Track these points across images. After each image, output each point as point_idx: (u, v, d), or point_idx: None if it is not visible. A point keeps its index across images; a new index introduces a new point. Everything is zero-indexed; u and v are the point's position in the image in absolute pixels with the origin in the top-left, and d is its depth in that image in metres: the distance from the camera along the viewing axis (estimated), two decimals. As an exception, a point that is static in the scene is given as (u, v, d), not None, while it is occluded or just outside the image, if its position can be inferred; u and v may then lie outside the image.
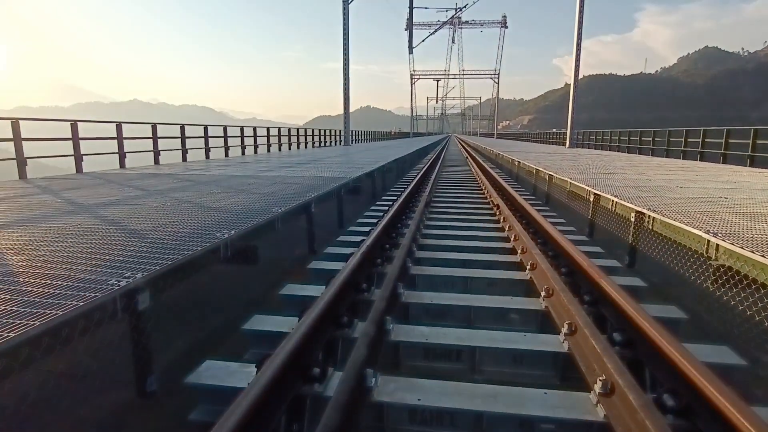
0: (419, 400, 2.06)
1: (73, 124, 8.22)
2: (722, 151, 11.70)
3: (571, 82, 22.43)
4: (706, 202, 4.91)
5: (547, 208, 7.43)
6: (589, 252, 4.54)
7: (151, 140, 10.67)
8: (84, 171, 8.44)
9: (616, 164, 10.63)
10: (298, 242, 5.22)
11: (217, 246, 3.13)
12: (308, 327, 2.23)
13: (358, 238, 4.76)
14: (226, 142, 15.15)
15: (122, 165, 9.57)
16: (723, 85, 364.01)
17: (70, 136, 8.19)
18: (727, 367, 2.48)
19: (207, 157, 13.56)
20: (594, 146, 23.34)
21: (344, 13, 22.93)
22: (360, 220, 6.20)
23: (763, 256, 2.77)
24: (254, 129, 18.03)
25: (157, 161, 10.77)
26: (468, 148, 26.99)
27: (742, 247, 2.97)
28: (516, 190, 8.11)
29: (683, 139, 13.86)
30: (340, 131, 26.82)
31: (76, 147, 8.26)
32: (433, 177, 10.05)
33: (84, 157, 8.60)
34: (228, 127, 15.40)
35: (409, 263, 3.93)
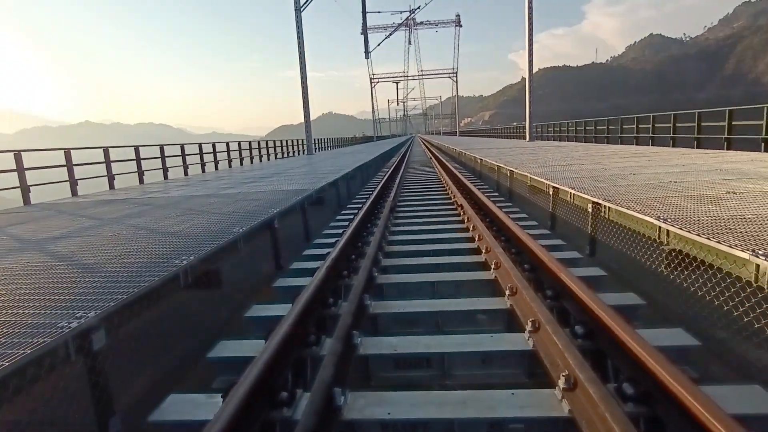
0: (389, 414, 2.06)
1: (17, 155, 7.85)
2: (671, 135, 12.25)
3: (527, 76, 23.02)
4: (657, 187, 5.11)
5: (510, 204, 7.59)
6: (551, 245, 4.67)
7: (104, 165, 10.30)
8: (33, 202, 8.07)
9: (573, 155, 10.96)
10: (264, 260, 5.14)
11: (176, 273, 3.05)
12: (273, 351, 2.20)
13: (324, 251, 4.74)
14: (184, 160, 14.84)
15: (74, 193, 9.20)
16: (670, 70, 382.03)
17: (14, 167, 7.81)
18: (682, 349, 2.60)
19: (165, 177, 13.20)
20: (553, 138, 24.01)
21: (297, 22, 22.82)
22: (326, 231, 6.17)
23: (708, 238, 2.91)
24: (213, 145, 17.75)
25: (112, 186, 10.41)
26: (431, 148, 27.31)
27: (689, 231, 3.11)
28: (479, 188, 8.25)
29: (635, 126, 14.43)
30: (302, 140, 26.68)
31: (22, 178, 7.89)
32: (397, 181, 10.10)
33: (33, 188, 8.23)
34: (186, 145, 15.11)
35: (375, 272, 3.93)
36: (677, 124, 12.14)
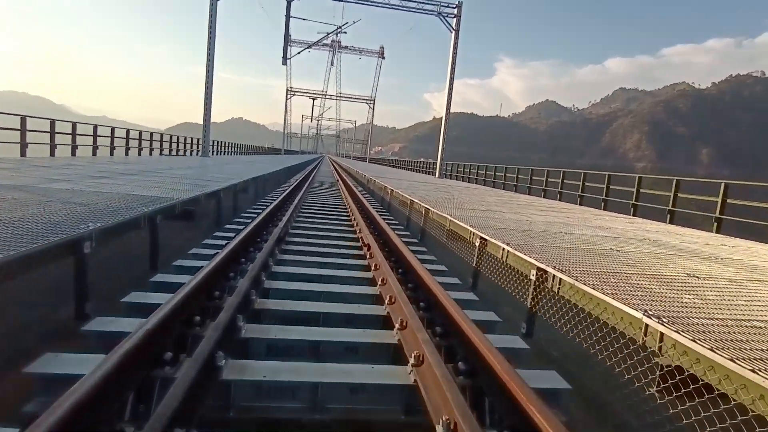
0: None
1: None
2: (579, 194, 12.33)
3: (442, 117, 23.02)
4: (604, 256, 4.26)
5: (424, 249, 6.42)
6: (477, 318, 3.47)
7: None
8: None
9: (488, 200, 10.34)
10: (56, 301, 3.32)
11: None
12: None
13: (176, 280, 3.16)
14: (23, 136, 11.78)
15: None
16: (558, 134, 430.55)
17: None
18: None
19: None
20: (461, 178, 24.13)
21: (211, 10, 20.53)
22: (180, 261, 4.43)
23: (755, 372, 1.87)
24: (95, 127, 15.39)
25: None
26: (340, 171, 26.07)
27: (713, 350, 2.07)
28: (389, 224, 7.05)
29: (544, 179, 14.49)
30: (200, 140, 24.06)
31: None
32: (295, 202, 8.57)
33: None
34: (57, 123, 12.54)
35: (241, 323, 2.43)
36: (587, 184, 12.29)
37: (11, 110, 13.23)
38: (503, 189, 17.39)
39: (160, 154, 19.47)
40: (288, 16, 20.76)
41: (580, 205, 12.01)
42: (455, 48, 21.35)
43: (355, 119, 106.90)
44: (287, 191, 10.15)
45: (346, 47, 74.00)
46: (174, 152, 20.78)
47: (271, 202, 8.11)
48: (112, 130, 17.17)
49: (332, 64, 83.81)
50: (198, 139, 24.72)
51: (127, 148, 17.69)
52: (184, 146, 22.81)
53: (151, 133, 20.70)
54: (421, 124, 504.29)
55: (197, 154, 23.42)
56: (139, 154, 18.66)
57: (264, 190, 12.16)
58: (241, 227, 6.05)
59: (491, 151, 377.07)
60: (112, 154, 16.57)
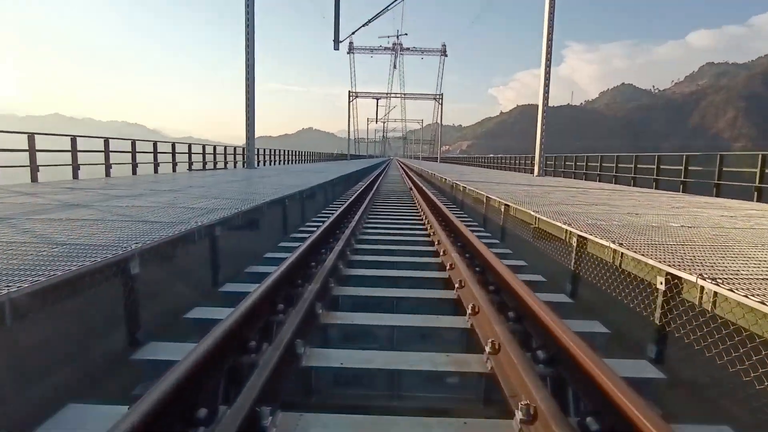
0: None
1: None
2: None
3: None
4: None
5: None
6: None
7: None
8: None
9: (708, 216, 5.56)
10: None
11: None
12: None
13: None
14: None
15: None
16: (638, 118, 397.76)
17: None
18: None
19: None
20: (568, 175, 18.86)
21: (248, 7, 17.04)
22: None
23: None
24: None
25: None
26: (411, 174, 21.79)
27: None
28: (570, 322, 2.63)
29: (758, 171, 9.05)
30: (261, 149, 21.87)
31: None
32: (343, 239, 4.43)
33: None
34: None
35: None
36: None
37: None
38: (655, 188, 12.10)
39: (189, 169, 16.31)
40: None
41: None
42: (552, 6, 16.30)
43: (421, 118, 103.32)
44: (335, 215, 6.07)
45: (408, 49, 71.25)
46: (204, 166, 17.90)
47: (304, 240, 4.05)
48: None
49: (395, 67, 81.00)
50: (259, 149, 22.02)
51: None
52: (225, 159, 19.71)
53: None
54: (488, 119, 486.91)
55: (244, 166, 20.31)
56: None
57: (303, 213, 8.15)
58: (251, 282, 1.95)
59: (567, 141, 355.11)
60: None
